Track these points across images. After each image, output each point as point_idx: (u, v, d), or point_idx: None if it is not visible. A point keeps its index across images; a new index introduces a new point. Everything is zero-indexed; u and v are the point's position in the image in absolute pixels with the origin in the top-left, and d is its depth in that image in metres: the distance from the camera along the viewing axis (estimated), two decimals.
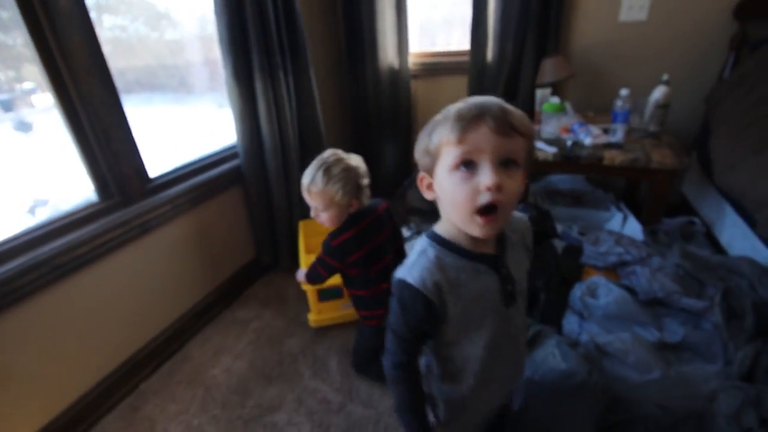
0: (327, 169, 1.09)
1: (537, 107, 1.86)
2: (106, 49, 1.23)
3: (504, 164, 0.54)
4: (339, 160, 1.12)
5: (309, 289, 1.46)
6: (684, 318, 1.19)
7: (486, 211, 0.54)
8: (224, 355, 1.49)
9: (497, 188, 0.52)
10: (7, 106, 1.21)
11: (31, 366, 1.10)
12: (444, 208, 0.62)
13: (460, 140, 0.54)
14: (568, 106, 1.79)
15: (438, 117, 0.59)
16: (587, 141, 1.62)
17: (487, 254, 0.62)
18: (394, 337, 0.65)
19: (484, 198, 0.53)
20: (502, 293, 0.63)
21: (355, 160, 1.15)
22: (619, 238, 1.40)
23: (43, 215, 1.17)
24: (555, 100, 1.73)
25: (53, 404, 1.16)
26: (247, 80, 1.58)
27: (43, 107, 1.22)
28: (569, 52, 2.03)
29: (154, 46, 1.60)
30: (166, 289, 1.48)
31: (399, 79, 2.31)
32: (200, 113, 1.85)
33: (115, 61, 1.27)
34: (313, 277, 1.26)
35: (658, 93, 1.66)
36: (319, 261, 1.21)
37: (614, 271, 1.36)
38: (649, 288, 1.21)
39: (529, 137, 0.57)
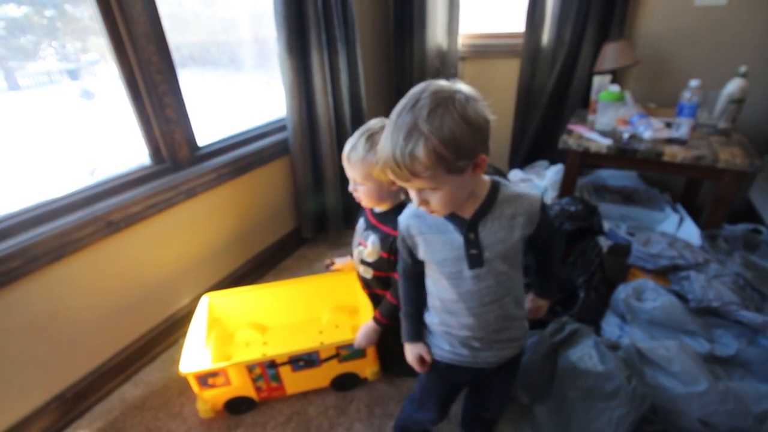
0: (370, 136, 0.99)
1: (593, 95, 1.75)
2: (165, 24, 1.27)
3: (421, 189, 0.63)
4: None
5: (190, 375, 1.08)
6: (739, 331, 1.10)
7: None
8: None
9: (423, 205, 0.65)
10: (74, 75, 1.28)
11: (82, 312, 1.19)
12: None
13: None
14: (628, 95, 1.67)
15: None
16: (647, 134, 1.51)
17: (459, 217, 0.69)
18: (400, 252, 0.82)
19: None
20: (466, 254, 0.70)
21: None
22: (673, 241, 1.31)
23: (101, 176, 1.25)
24: (614, 88, 1.62)
25: (101, 350, 1.26)
26: (300, 54, 1.59)
27: (105, 77, 1.29)
28: (635, 37, 1.88)
29: (207, 23, 1.64)
30: (206, 253, 1.55)
31: (447, 60, 2.24)
32: (248, 89, 1.88)
33: (171, 35, 1.31)
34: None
35: (733, 86, 1.51)
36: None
37: (664, 275, 1.28)
38: (703, 296, 1.12)
39: (433, 167, 0.58)
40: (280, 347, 1.34)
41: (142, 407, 1.23)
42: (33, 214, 1.07)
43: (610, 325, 1.22)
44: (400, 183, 0.63)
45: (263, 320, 1.43)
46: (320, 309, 1.46)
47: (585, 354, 1.03)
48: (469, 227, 0.69)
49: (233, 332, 1.40)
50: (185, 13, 1.54)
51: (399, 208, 1.09)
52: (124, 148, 1.33)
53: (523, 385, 1.06)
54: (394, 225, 1.06)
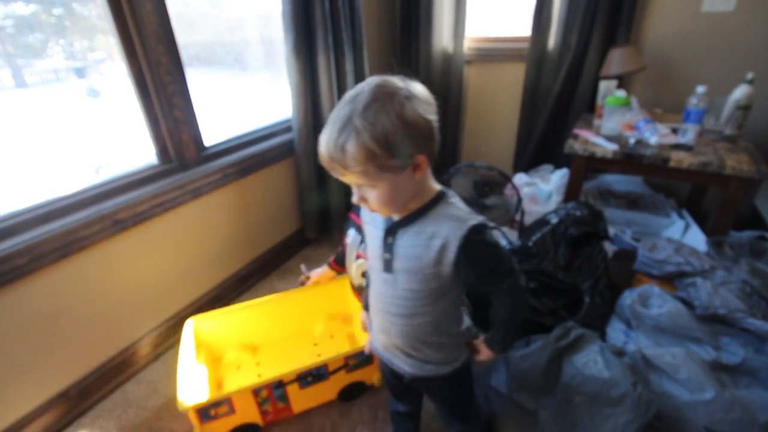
0: None
1: (599, 100, 1.75)
2: (173, 24, 1.27)
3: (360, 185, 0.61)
4: None
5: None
6: (745, 339, 1.09)
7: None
8: None
9: (362, 202, 0.64)
10: (81, 74, 1.29)
11: (87, 310, 1.19)
12: None
13: None
14: (634, 101, 1.66)
15: None
16: (653, 140, 1.51)
17: (390, 218, 0.68)
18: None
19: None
20: (381, 255, 0.69)
21: None
22: (680, 247, 1.30)
23: (106, 175, 1.25)
24: (621, 93, 1.62)
25: (105, 348, 1.26)
26: (307, 56, 1.60)
27: (111, 76, 1.30)
28: (641, 42, 1.88)
29: (213, 23, 1.64)
30: (211, 253, 1.55)
31: (452, 63, 2.24)
32: (253, 89, 1.89)
33: (178, 35, 1.32)
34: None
35: (740, 93, 1.51)
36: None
37: (670, 281, 1.27)
38: (710, 303, 1.12)
39: (364, 162, 0.56)
40: (274, 366, 1.29)
41: (145, 406, 1.23)
42: (40, 212, 1.07)
43: (616, 331, 1.21)
44: (335, 176, 0.61)
45: (252, 339, 1.36)
46: (312, 320, 1.41)
47: (590, 360, 1.03)
48: (388, 230, 0.67)
49: (221, 356, 1.32)
50: (192, 13, 1.54)
51: None
52: (130, 146, 1.33)
53: (528, 390, 1.06)
54: None
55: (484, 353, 0.80)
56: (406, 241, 0.66)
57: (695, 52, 1.81)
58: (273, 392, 1.08)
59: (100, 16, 1.18)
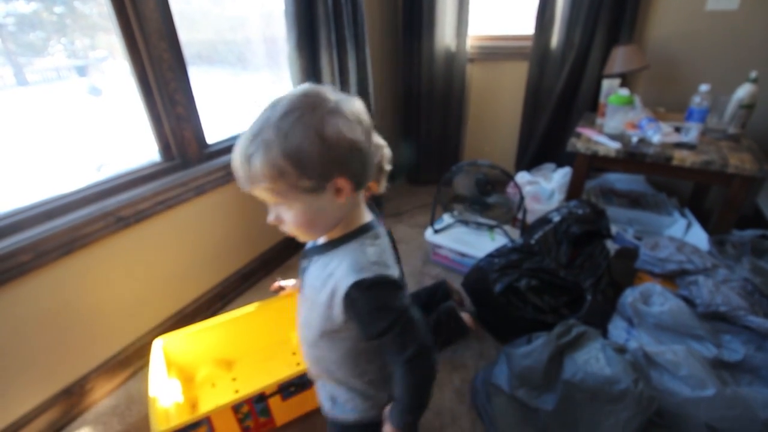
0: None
1: (602, 99, 1.75)
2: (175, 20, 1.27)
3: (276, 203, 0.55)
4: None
5: None
6: (747, 337, 1.10)
7: None
8: None
9: (278, 222, 0.57)
10: (82, 72, 1.29)
11: (90, 306, 1.19)
12: None
13: None
14: (637, 99, 1.66)
15: None
16: (656, 138, 1.51)
17: (316, 242, 0.63)
18: None
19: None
20: (301, 275, 0.66)
21: (382, 141, 1.05)
22: (681, 246, 1.30)
23: (109, 172, 1.25)
24: (624, 92, 1.62)
25: (108, 344, 1.27)
26: (310, 54, 1.59)
27: (113, 74, 1.30)
28: (644, 41, 1.87)
29: (215, 21, 1.64)
30: (213, 250, 1.55)
31: (455, 61, 2.24)
32: (255, 87, 1.89)
33: (180, 34, 1.31)
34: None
35: (743, 91, 1.51)
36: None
37: (672, 279, 1.28)
38: (711, 300, 1.12)
39: (272, 179, 0.50)
40: (252, 380, 1.24)
41: (147, 403, 1.24)
42: (44, 209, 1.07)
43: (617, 329, 1.21)
44: (243, 190, 0.54)
45: (226, 354, 1.29)
46: (288, 329, 1.34)
47: (592, 357, 1.03)
48: (305, 253, 0.63)
49: (193, 375, 1.25)
50: (194, 12, 1.54)
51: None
52: (132, 144, 1.34)
53: (530, 386, 1.06)
54: None
55: (386, 427, 0.68)
56: (313, 271, 0.61)
57: (699, 51, 1.80)
58: (254, 406, 1.03)
59: (102, 14, 1.18)
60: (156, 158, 1.35)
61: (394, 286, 0.57)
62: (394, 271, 0.58)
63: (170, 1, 1.24)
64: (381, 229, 0.63)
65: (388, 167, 1.06)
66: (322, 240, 0.62)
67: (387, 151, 1.05)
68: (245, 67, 1.83)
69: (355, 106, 0.54)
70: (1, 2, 1.06)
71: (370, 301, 0.55)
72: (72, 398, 1.17)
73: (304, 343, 0.70)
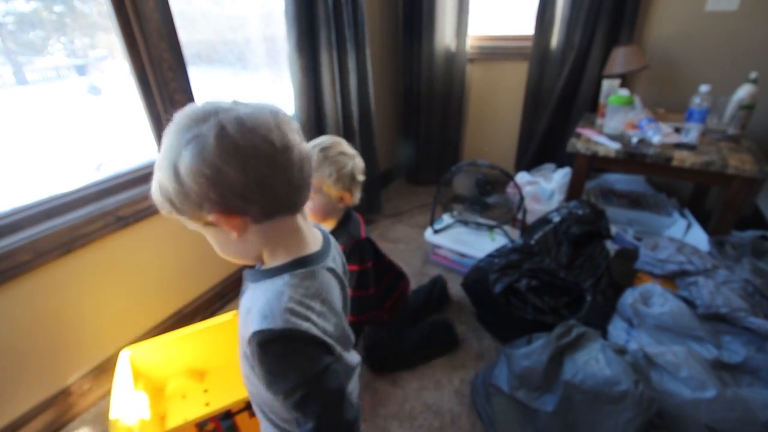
0: (323, 149, 1.00)
1: (602, 99, 1.75)
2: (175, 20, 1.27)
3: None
4: (338, 143, 1.03)
5: None
6: (747, 338, 1.10)
7: None
8: None
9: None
10: (82, 71, 1.29)
11: (89, 306, 1.19)
12: None
13: None
14: (637, 100, 1.66)
15: None
16: (656, 139, 1.51)
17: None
18: None
19: None
20: None
21: (352, 150, 1.06)
22: (682, 246, 1.30)
23: (108, 172, 1.25)
24: (624, 92, 1.62)
25: (106, 345, 1.26)
26: (310, 54, 1.59)
27: (112, 74, 1.30)
28: (644, 41, 1.87)
29: (215, 21, 1.64)
30: (214, 250, 1.55)
31: (455, 61, 2.24)
32: (254, 88, 1.89)
33: (180, 33, 1.31)
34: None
35: (743, 92, 1.51)
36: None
37: (672, 280, 1.27)
38: (711, 302, 1.12)
39: (162, 204, 0.47)
40: (224, 392, 1.18)
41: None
42: (43, 208, 1.07)
43: (617, 330, 1.21)
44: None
45: (198, 364, 1.22)
46: None
47: (592, 358, 1.03)
48: (244, 277, 0.56)
49: (163, 386, 1.18)
50: (193, 11, 1.54)
51: (344, 223, 1.09)
52: (131, 143, 1.33)
53: (529, 387, 1.06)
54: (344, 239, 1.04)
55: None
56: (245, 300, 0.54)
57: (698, 51, 1.80)
58: (221, 424, 0.95)
59: (102, 13, 1.18)
60: (155, 158, 1.35)
61: (306, 343, 0.48)
62: (316, 324, 0.48)
63: (170, 1, 1.24)
64: (328, 263, 0.55)
65: (361, 177, 1.06)
66: (259, 264, 0.55)
67: (359, 161, 1.06)
68: (245, 67, 1.82)
69: (258, 121, 0.44)
70: (1, 1, 1.05)
71: (270, 358, 0.47)
72: (71, 398, 1.17)
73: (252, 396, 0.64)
